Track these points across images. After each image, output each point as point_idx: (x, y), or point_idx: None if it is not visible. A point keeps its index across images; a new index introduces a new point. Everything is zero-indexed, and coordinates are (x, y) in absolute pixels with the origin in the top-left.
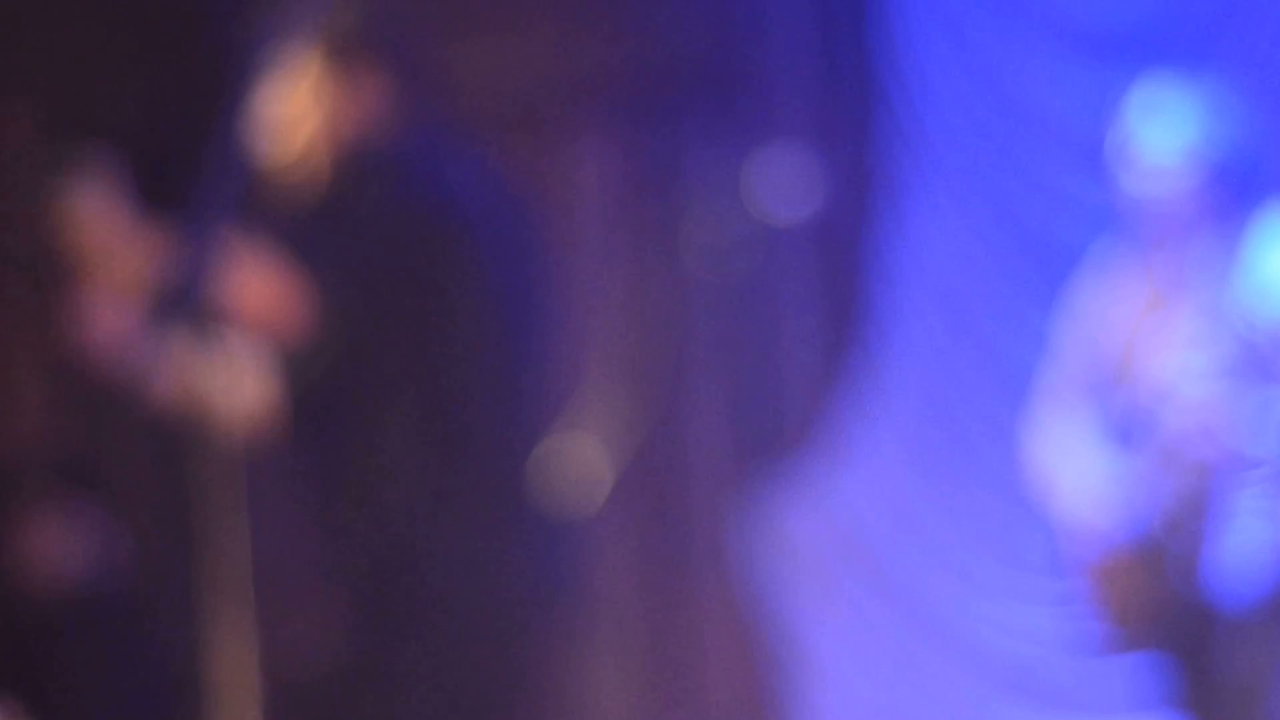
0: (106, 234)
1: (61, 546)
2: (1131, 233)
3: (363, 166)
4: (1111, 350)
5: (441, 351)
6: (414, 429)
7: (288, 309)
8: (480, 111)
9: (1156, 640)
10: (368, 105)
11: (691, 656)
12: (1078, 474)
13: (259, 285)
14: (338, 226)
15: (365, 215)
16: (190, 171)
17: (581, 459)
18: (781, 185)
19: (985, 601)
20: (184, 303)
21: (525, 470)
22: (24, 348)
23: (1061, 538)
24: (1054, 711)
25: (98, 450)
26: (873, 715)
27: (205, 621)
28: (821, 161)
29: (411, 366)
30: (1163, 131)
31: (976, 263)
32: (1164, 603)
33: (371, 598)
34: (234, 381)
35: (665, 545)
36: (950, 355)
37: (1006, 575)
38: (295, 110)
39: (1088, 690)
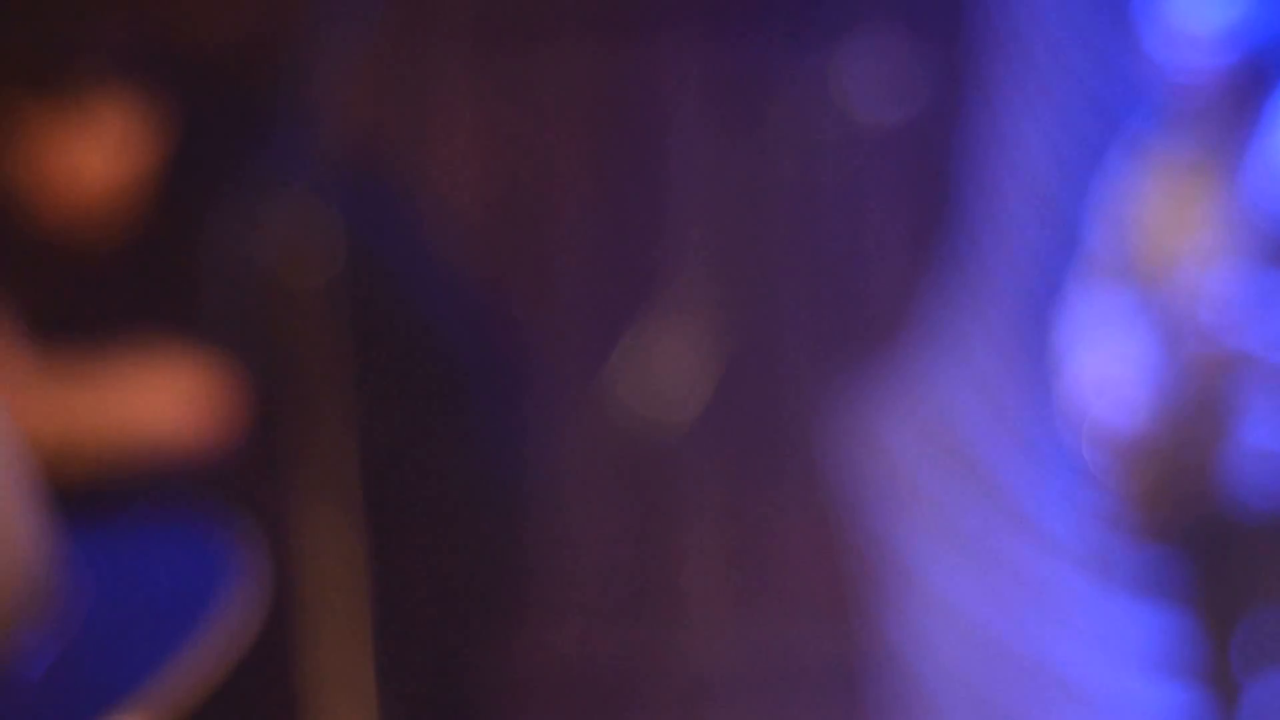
0: None
1: None
2: (1167, 115)
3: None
4: (1142, 237)
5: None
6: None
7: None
8: (566, 15)
9: (1175, 540)
10: (118, 133)
11: (780, 560)
12: (1102, 366)
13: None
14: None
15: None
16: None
17: (672, 356)
18: (871, 84)
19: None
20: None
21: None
22: None
23: (1082, 433)
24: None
25: None
26: (961, 619)
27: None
28: (912, 60)
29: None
30: (1205, 4)
31: (1068, 161)
32: (1185, 502)
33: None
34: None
35: (755, 449)
36: (1041, 253)
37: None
38: (39, 162)
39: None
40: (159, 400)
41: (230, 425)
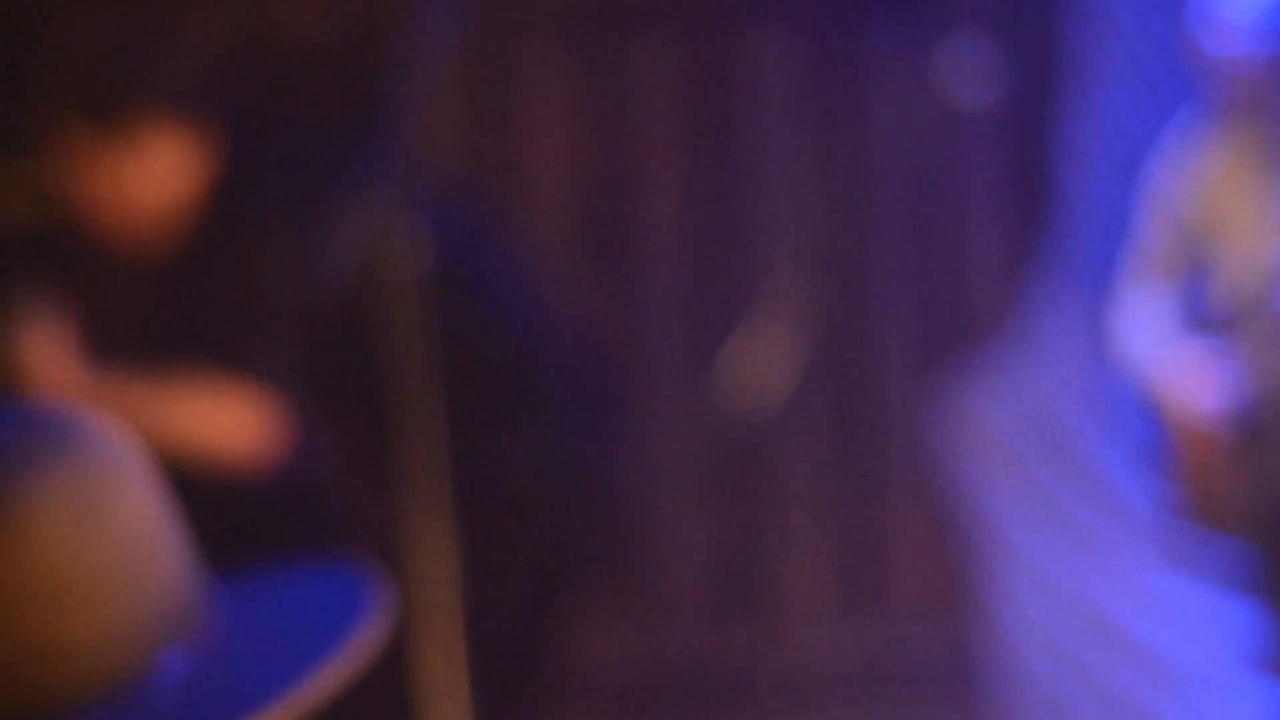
0: (54, 377)
1: None
2: (1216, 105)
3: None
4: (1200, 227)
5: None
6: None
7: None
8: (658, 7)
9: (1253, 533)
10: (166, 161)
11: (884, 547)
12: (1171, 358)
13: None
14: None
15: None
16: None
17: (771, 350)
18: (968, 69)
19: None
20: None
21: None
22: None
23: (1154, 425)
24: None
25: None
26: (1067, 605)
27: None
28: (1007, 44)
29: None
30: None
31: (1163, 143)
32: (1264, 492)
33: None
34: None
35: (856, 434)
36: (1133, 233)
37: None
38: (81, 181)
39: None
40: (216, 417)
41: (278, 447)
